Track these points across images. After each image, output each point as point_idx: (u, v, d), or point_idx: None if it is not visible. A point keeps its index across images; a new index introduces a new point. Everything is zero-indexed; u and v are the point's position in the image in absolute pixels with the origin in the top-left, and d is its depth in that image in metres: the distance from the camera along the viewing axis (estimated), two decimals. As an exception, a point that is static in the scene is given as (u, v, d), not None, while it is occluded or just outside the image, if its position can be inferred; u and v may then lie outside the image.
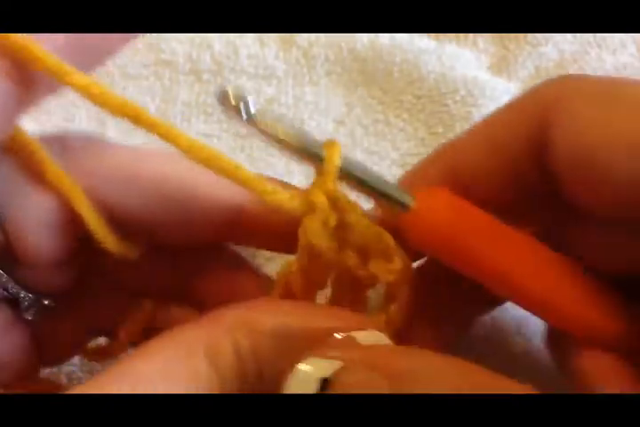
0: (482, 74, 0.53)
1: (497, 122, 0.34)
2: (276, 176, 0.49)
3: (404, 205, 0.32)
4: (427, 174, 0.36)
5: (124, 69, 0.52)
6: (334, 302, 0.34)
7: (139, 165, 0.34)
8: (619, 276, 0.34)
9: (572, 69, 0.53)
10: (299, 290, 0.32)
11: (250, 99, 0.30)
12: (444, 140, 0.51)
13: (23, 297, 0.35)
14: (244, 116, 0.30)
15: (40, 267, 0.34)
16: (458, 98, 0.51)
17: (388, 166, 0.50)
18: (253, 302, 0.31)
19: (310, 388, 0.26)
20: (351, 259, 0.32)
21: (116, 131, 0.50)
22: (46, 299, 0.36)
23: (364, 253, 0.32)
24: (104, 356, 0.39)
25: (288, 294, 0.33)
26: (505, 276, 0.32)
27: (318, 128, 0.51)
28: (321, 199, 0.31)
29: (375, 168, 0.50)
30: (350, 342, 0.28)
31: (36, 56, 0.29)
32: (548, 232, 0.35)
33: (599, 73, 0.52)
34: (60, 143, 0.33)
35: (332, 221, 0.31)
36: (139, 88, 0.52)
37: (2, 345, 0.35)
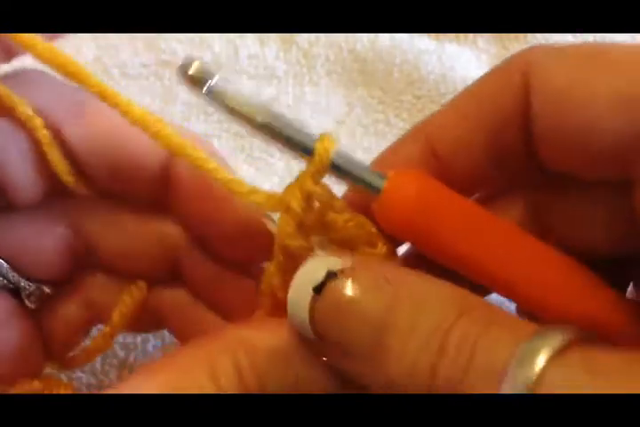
0: (482, 74, 0.53)
1: (474, 95, 0.33)
2: (276, 176, 0.50)
3: (375, 189, 0.31)
4: (404, 152, 0.34)
5: (124, 69, 0.52)
6: None
7: (92, 110, 0.34)
8: (606, 257, 0.34)
9: (572, 69, 0.53)
10: (279, 290, 0.32)
11: (215, 75, 0.29)
12: (444, 141, 0.52)
13: (23, 286, 0.36)
14: (204, 89, 0.29)
15: (26, 207, 0.35)
16: (458, 98, 0.51)
17: (388, 166, 0.50)
18: (250, 321, 0.33)
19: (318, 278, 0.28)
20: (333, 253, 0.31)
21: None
22: (46, 287, 0.37)
23: (349, 244, 0.32)
24: (89, 357, 0.39)
25: (274, 297, 0.33)
26: (475, 261, 0.31)
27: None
28: (296, 201, 0.30)
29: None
30: None
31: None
32: (531, 212, 0.35)
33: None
34: (18, 78, 0.35)
35: (309, 221, 0.31)
36: (139, 88, 0.52)
37: (5, 335, 0.35)
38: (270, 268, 0.32)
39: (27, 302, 0.36)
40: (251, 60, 0.53)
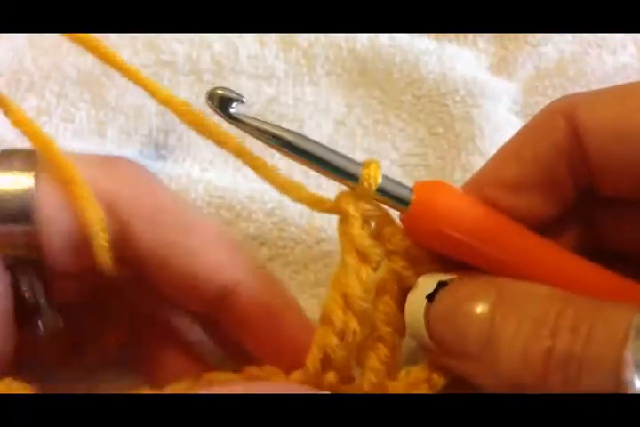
0: (482, 74, 0.53)
1: (525, 142, 0.36)
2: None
3: (403, 201, 0.33)
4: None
5: (124, 70, 0.52)
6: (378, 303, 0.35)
7: (166, 215, 0.37)
8: None
9: (572, 69, 0.53)
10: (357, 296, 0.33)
11: (234, 102, 0.33)
12: (443, 141, 0.51)
13: (44, 311, 0.36)
14: (225, 117, 0.33)
15: (63, 276, 0.36)
16: (458, 98, 0.51)
17: (388, 166, 0.50)
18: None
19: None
20: (397, 262, 0.34)
21: (114, 131, 0.50)
22: (61, 320, 0.37)
23: (406, 255, 0.35)
24: None
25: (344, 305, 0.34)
26: (498, 266, 0.33)
27: (318, 128, 0.51)
28: (352, 210, 0.33)
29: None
30: None
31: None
32: (585, 231, 0.37)
33: (599, 73, 0.52)
34: (110, 166, 0.37)
35: (368, 230, 0.34)
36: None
37: None
38: (342, 275, 0.34)
39: (38, 326, 0.37)
40: (250, 60, 0.53)
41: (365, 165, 0.33)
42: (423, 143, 0.51)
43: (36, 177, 0.34)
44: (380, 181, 0.33)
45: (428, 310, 0.32)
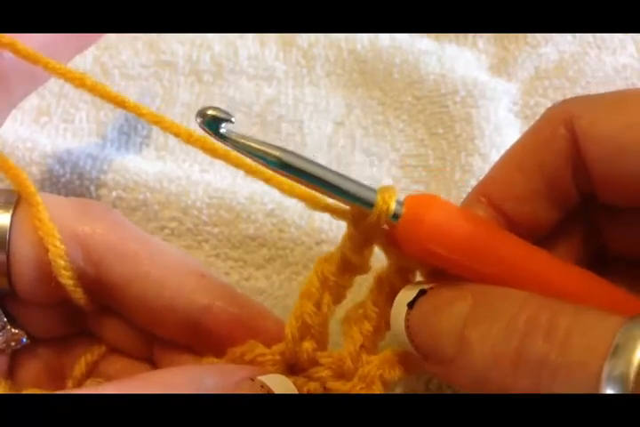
0: (482, 75, 0.53)
1: (525, 150, 0.36)
2: (275, 174, 0.50)
3: (394, 215, 0.33)
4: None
5: (124, 70, 0.52)
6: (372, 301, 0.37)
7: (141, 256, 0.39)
8: None
9: (572, 70, 0.53)
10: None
11: (224, 121, 0.32)
12: (443, 141, 0.51)
13: (2, 325, 0.39)
14: (216, 136, 0.33)
15: (33, 305, 0.39)
16: (458, 99, 0.51)
17: (388, 167, 0.50)
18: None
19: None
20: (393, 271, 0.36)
21: (114, 132, 0.50)
22: (25, 335, 0.39)
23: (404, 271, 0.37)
24: None
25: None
26: (490, 277, 0.33)
27: (318, 129, 0.51)
28: (353, 231, 0.34)
29: (375, 169, 0.50)
30: None
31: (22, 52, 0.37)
32: (587, 237, 0.38)
33: (599, 74, 0.52)
34: (84, 208, 0.39)
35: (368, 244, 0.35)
36: (139, 89, 0.52)
37: None
38: (329, 260, 0.36)
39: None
40: (250, 60, 0.53)
41: (380, 192, 0.33)
42: (423, 144, 0.51)
43: (14, 215, 0.38)
44: (393, 207, 0.33)
45: (408, 315, 0.33)
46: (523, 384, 0.28)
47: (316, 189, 0.33)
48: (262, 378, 0.34)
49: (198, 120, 0.32)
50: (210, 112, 0.32)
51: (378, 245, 0.35)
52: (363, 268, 0.36)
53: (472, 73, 0.52)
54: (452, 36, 0.54)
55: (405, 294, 0.34)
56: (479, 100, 0.51)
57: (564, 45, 0.54)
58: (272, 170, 0.33)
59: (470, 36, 0.54)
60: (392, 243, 0.35)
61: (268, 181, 0.35)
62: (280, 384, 0.35)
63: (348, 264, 0.36)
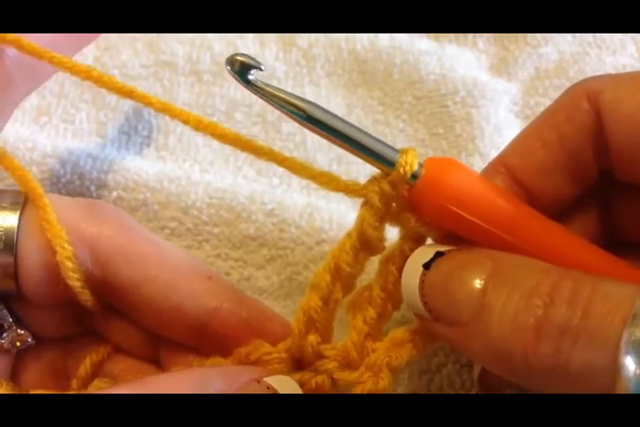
0: (482, 75, 0.53)
1: (547, 124, 0.36)
2: (275, 177, 0.50)
3: (412, 175, 0.34)
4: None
5: (124, 70, 0.52)
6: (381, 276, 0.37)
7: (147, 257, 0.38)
8: None
9: (572, 70, 0.53)
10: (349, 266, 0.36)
11: (253, 68, 0.32)
12: (444, 141, 0.51)
13: (8, 326, 0.39)
14: (243, 82, 0.33)
15: (40, 306, 0.39)
16: (458, 99, 0.51)
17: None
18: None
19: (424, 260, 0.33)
20: (408, 244, 0.36)
21: (114, 132, 0.50)
22: (30, 336, 0.39)
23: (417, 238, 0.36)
24: None
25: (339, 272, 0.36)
26: (504, 241, 0.34)
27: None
28: (377, 198, 0.34)
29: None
30: None
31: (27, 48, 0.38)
32: (602, 213, 0.38)
33: (599, 74, 0.52)
34: (91, 209, 0.39)
35: (385, 217, 0.35)
36: (139, 89, 0.52)
37: None
38: (344, 249, 0.35)
39: (3, 340, 0.39)
40: (251, 60, 0.53)
41: (403, 152, 0.34)
42: (423, 144, 0.51)
43: (21, 216, 0.37)
44: (415, 168, 0.33)
45: (423, 277, 0.33)
46: (542, 352, 0.28)
47: (338, 145, 0.34)
48: (268, 379, 0.34)
49: (228, 68, 0.33)
50: (239, 58, 0.32)
51: (393, 216, 0.35)
52: (378, 246, 0.36)
53: (472, 73, 0.52)
54: (451, 36, 0.54)
55: (420, 255, 0.34)
56: (479, 100, 0.51)
57: (564, 45, 0.54)
58: (297, 121, 0.33)
59: (470, 36, 0.54)
60: (409, 208, 0.35)
61: (281, 162, 0.36)
62: (286, 385, 0.35)
63: (365, 243, 0.35)
